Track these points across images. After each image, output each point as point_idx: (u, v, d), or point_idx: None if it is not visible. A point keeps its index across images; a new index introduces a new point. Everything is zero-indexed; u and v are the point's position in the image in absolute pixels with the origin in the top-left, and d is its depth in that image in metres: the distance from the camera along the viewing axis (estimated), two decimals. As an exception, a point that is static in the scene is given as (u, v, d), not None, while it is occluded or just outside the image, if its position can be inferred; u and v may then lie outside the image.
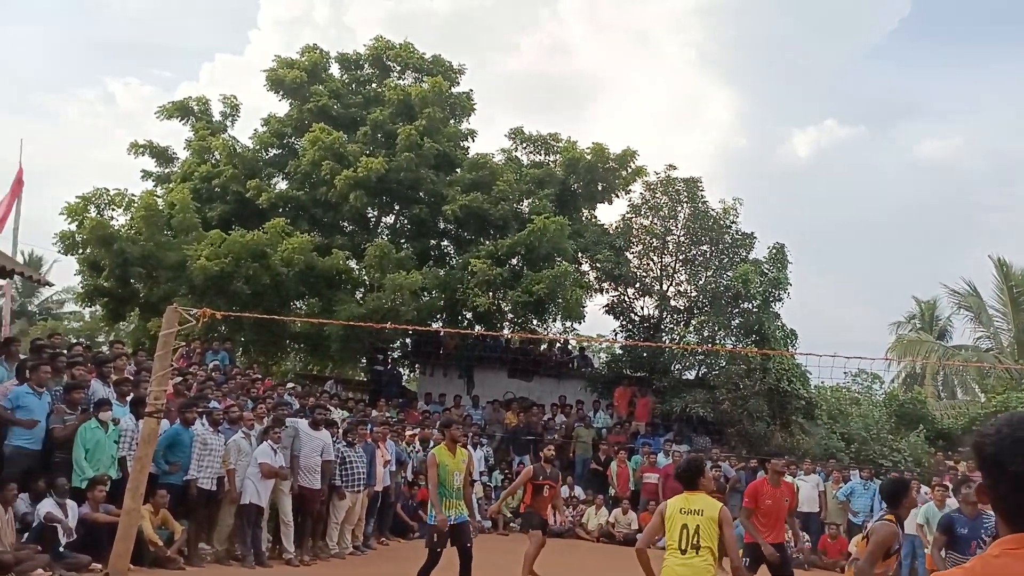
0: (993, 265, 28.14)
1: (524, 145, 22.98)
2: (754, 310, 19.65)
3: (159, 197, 20.36)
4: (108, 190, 19.57)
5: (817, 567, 14.43)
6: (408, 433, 15.07)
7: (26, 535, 8.32)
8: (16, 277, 15.84)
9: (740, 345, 19.36)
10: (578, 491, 17.03)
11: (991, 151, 63.54)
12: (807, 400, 19.61)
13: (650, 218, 21.04)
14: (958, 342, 30.41)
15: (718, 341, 19.85)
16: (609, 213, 23.73)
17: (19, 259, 18.59)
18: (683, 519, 6.00)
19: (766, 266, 20.00)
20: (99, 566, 8.40)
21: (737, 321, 19.98)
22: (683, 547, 5.92)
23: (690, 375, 20.60)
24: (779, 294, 19.76)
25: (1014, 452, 1.77)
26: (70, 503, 8.73)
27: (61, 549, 8.35)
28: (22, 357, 10.54)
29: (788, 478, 12.36)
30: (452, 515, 8.44)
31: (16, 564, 7.71)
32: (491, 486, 16.89)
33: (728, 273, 20.04)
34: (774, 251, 20.23)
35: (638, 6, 65.63)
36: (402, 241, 20.90)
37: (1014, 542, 1.76)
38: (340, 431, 12.14)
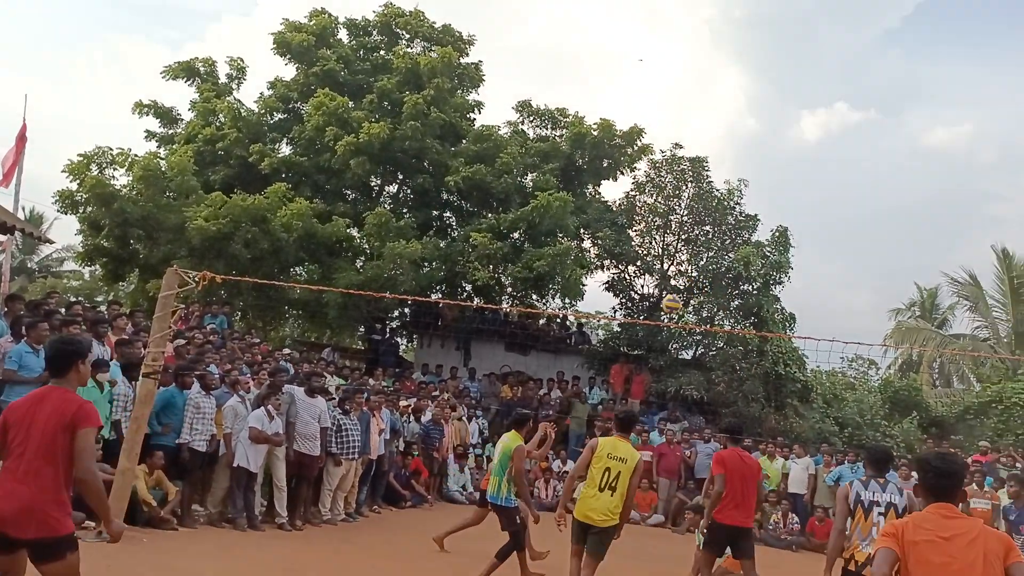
0: (995, 255, 28.16)
1: (531, 118, 22.85)
2: (754, 292, 19.66)
3: (162, 159, 20.25)
4: (111, 149, 19.46)
5: (805, 549, 14.53)
6: (403, 403, 15.10)
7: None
8: (17, 233, 15.82)
9: (738, 327, 19.39)
10: (570, 465, 17.10)
11: (1000, 140, 63.39)
12: (803, 384, 19.68)
13: (654, 196, 20.98)
14: (957, 331, 30.48)
15: (717, 322, 19.87)
16: (613, 190, 23.73)
17: (20, 215, 18.57)
18: (608, 463, 7.06)
19: (768, 249, 19.98)
20: (92, 524, 8.44)
21: (736, 303, 19.98)
22: (600, 485, 7.01)
23: (687, 355, 20.65)
24: (780, 277, 19.78)
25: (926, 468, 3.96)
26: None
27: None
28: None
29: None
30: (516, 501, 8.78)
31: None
32: (485, 458, 16.97)
33: (730, 254, 20.04)
34: (777, 234, 20.20)
35: (650, -19, 64.99)
36: (404, 211, 20.83)
37: (938, 507, 3.86)
38: (336, 399, 12.18)
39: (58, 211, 19.52)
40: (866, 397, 22.54)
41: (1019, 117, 62.93)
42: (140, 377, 8.70)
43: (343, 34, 23.23)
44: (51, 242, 22.28)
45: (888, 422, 20.83)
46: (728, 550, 8.10)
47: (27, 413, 4.36)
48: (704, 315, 20.18)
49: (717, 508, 7.78)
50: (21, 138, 18.89)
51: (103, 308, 14.54)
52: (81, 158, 18.97)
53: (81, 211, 19.12)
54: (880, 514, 6.23)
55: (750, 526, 7.99)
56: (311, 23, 22.37)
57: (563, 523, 7.43)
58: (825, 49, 65.81)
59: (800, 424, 19.64)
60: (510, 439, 8.71)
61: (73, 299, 19.77)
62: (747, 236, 20.43)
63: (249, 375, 11.97)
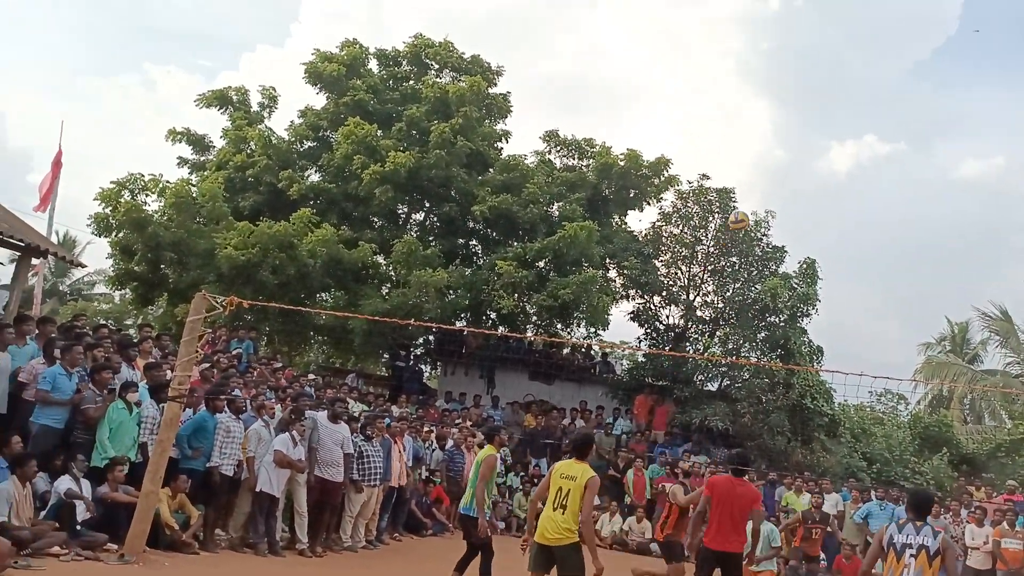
0: (1028, 290, 27.71)
1: (558, 148, 22.96)
2: (781, 324, 19.48)
3: (193, 185, 20.55)
4: (143, 175, 19.81)
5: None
6: (426, 430, 15.08)
7: (43, 512, 8.42)
8: (49, 257, 16.08)
9: (765, 359, 19.19)
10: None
11: (1034, 172, 62.45)
12: (830, 417, 19.38)
13: (680, 227, 20.92)
14: (989, 366, 29.95)
15: (742, 354, 19.69)
16: (640, 220, 23.66)
17: (53, 239, 18.90)
18: (560, 482, 7.09)
19: (795, 280, 19.82)
20: (115, 546, 8.49)
21: (763, 334, 19.80)
22: (554, 504, 7.06)
23: (712, 386, 20.46)
24: (807, 309, 19.57)
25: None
26: (85, 482, 8.84)
27: (78, 527, 8.44)
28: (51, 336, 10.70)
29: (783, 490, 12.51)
30: (490, 514, 9.28)
31: (33, 540, 7.80)
32: (507, 487, 16.88)
33: (756, 286, 19.89)
34: (804, 266, 20.05)
35: (676, 13, 65.43)
36: (430, 239, 20.95)
37: None
38: (359, 425, 12.19)
39: (92, 234, 19.84)
40: (895, 432, 22.21)
41: (1054, 148, 62.09)
42: (165, 401, 8.79)
43: (373, 64, 23.54)
44: (83, 266, 22.56)
45: (918, 458, 20.49)
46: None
47: None
48: (730, 347, 20.02)
49: (705, 532, 8.20)
50: (57, 164, 19.30)
51: (132, 331, 14.73)
52: (114, 184, 19.34)
53: (114, 235, 19.43)
54: (912, 556, 6.18)
55: (738, 551, 8.27)
56: (342, 53, 22.70)
57: (526, 547, 7.47)
58: (854, 81, 65.60)
59: (827, 459, 19.35)
60: (486, 450, 8.85)
61: (101, 322, 20.02)
62: (774, 267, 20.30)
63: (273, 399, 12.03)
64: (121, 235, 19.32)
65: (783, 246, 20.51)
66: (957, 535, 14.10)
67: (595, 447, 7.23)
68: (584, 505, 6.96)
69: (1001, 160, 64.90)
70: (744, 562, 8.63)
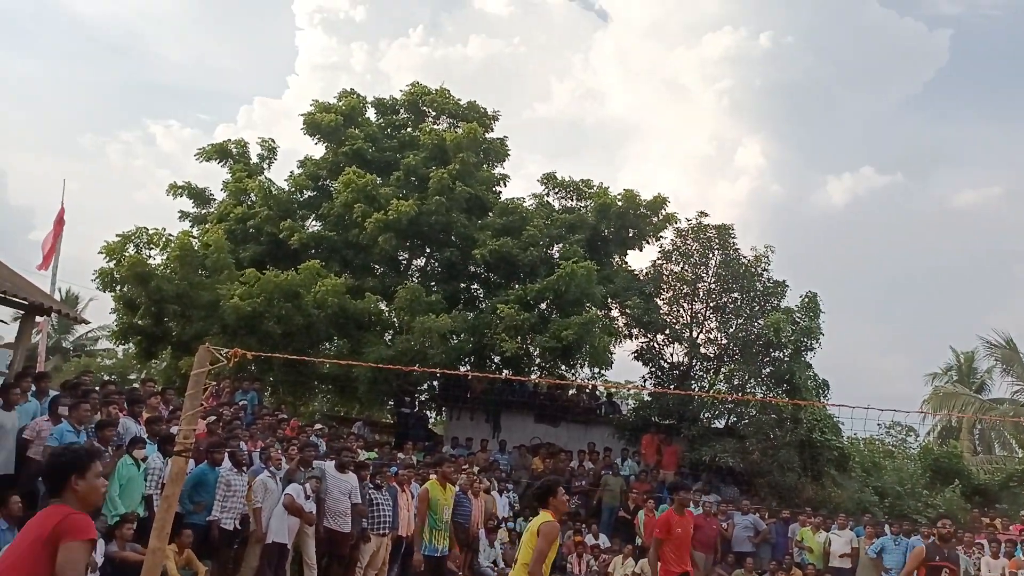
0: (1031, 317, 27.72)
1: (556, 190, 23.12)
2: (785, 359, 19.40)
3: (195, 237, 20.67)
4: (147, 229, 19.92)
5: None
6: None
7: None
8: (53, 314, 16.12)
9: (771, 394, 19.10)
10: (603, 539, 16.77)
11: (1031, 200, 62.81)
12: (840, 451, 19.24)
13: (681, 265, 20.98)
14: (996, 395, 29.80)
15: (748, 390, 19.58)
16: (640, 259, 23.73)
17: (56, 296, 18.94)
18: (523, 536, 6.66)
19: (798, 315, 19.79)
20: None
21: (768, 370, 19.71)
22: (516, 560, 6.57)
23: (719, 424, 20.32)
24: (811, 343, 19.50)
25: None
26: (99, 541, 8.76)
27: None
28: (52, 393, 10.70)
29: (693, 509, 12.48)
30: (440, 547, 9.09)
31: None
32: (516, 532, 16.69)
33: (759, 321, 19.86)
34: (806, 300, 20.03)
35: (669, 54, 66.30)
36: (432, 284, 21.00)
37: None
38: (369, 473, 12.10)
39: (97, 288, 19.88)
40: (906, 465, 22.03)
41: (1050, 175, 62.53)
42: (172, 455, 8.73)
43: (371, 113, 23.83)
44: (86, 322, 22.63)
45: (929, 491, 20.27)
46: None
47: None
48: (735, 383, 19.94)
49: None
50: (59, 222, 19.40)
51: (136, 386, 14.70)
52: (119, 238, 19.42)
53: (118, 289, 19.47)
54: None
55: None
56: (340, 103, 22.99)
57: None
58: (847, 115, 66.26)
59: (839, 494, 19.17)
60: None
61: (106, 377, 19.99)
62: (776, 302, 20.29)
63: (280, 450, 11.96)
64: (125, 289, 19.37)
65: (784, 281, 20.57)
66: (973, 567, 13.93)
67: (559, 491, 6.51)
68: (535, 552, 6.25)
69: (998, 189, 65.34)
70: None
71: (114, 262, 19.12)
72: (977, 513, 18.46)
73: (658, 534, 8.99)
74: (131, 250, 19.29)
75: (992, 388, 30.95)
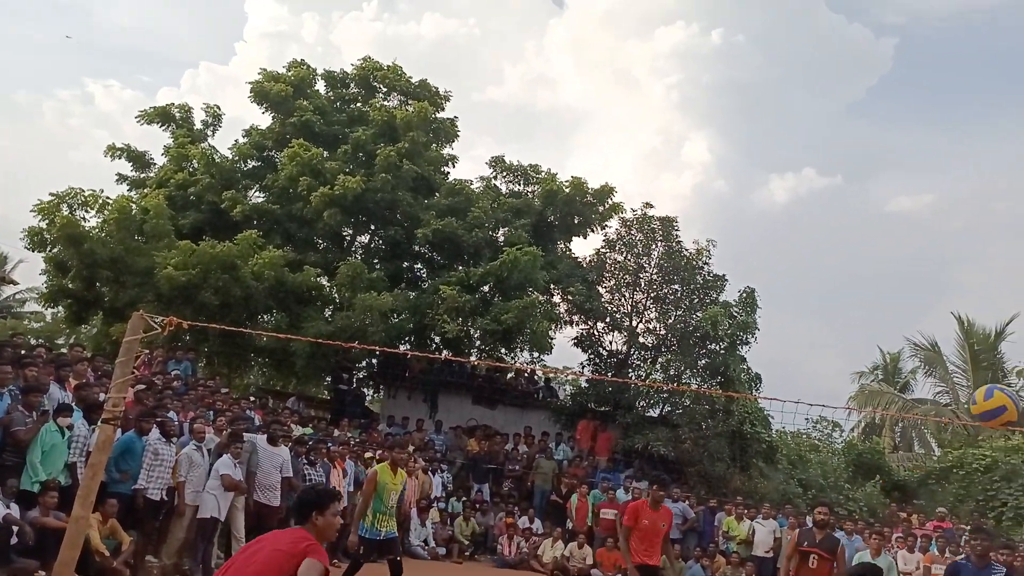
0: (956, 321, 28.72)
1: (504, 174, 23.06)
2: (721, 352, 19.76)
3: (134, 202, 20.14)
4: (83, 190, 19.29)
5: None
6: (367, 455, 14.92)
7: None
8: (-21, 273, 15.59)
9: (705, 386, 19.46)
10: (537, 524, 16.94)
11: (964, 208, 64.95)
12: (768, 444, 19.74)
13: (624, 254, 21.18)
14: (919, 395, 30.83)
15: (684, 380, 19.93)
16: (584, 247, 23.92)
17: (-16, 255, 18.30)
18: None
19: (736, 309, 20.15)
20: (44, 573, 8.20)
21: (704, 362, 20.06)
22: None
23: (654, 413, 20.66)
24: (747, 337, 19.92)
25: None
26: (14, 506, 8.54)
27: (12, 555, 8.13)
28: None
29: (670, 504, 12.49)
30: (384, 530, 8.96)
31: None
32: (449, 512, 16.77)
33: (698, 313, 20.17)
34: (744, 295, 20.41)
35: (622, 45, 66.63)
36: (375, 261, 20.83)
37: None
38: (305, 448, 12.01)
39: (26, 248, 19.22)
40: (830, 459, 22.64)
41: (982, 185, 64.74)
42: (100, 423, 8.55)
43: (320, 85, 23.45)
44: (14, 283, 21.92)
45: (851, 485, 20.91)
46: None
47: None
48: (672, 373, 20.27)
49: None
50: (-10, 178, 18.71)
51: (64, 351, 14.32)
52: (53, 197, 18.76)
53: (49, 251, 18.88)
54: None
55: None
56: (289, 73, 22.56)
57: None
58: (793, 116, 67.59)
59: (765, 485, 19.66)
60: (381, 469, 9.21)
61: (39, 341, 19.39)
62: (715, 296, 20.63)
63: (212, 423, 11.79)
64: (56, 251, 18.80)
65: (724, 275, 20.91)
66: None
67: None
68: None
69: (931, 197, 67.35)
70: None
71: (46, 222, 18.52)
72: (895, 508, 19.10)
73: (625, 522, 8.95)
74: (64, 210, 18.70)
75: (915, 388, 32.04)
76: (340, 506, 4.68)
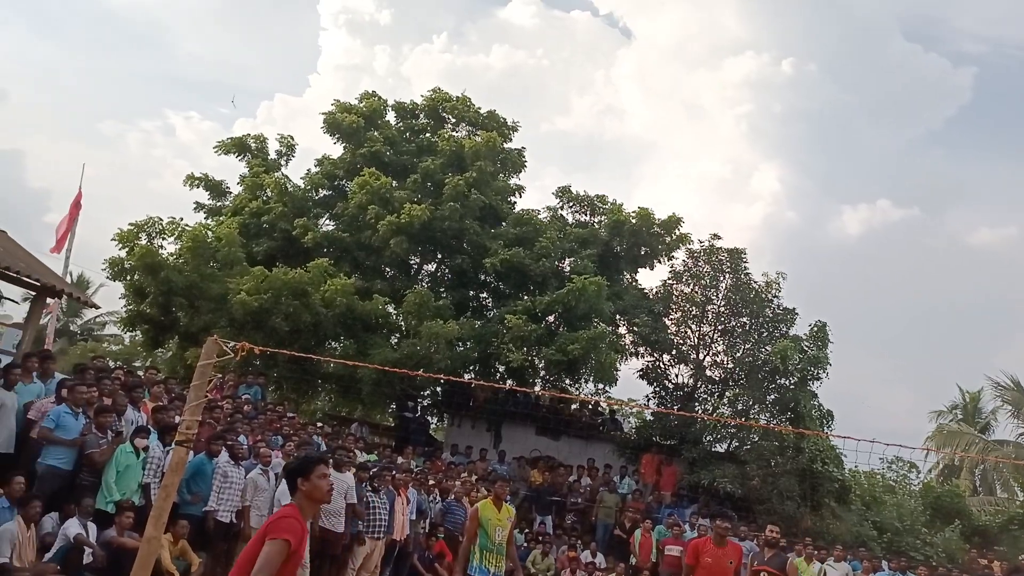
0: (1040, 360, 27.57)
1: (570, 204, 23.12)
2: (791, 387, 19.30)
3: (209, 229, 20.74)
4: (161, 219, 19.96)
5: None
6: (431, 483, 14.92)
7: (48, 554, 8.33)
8: (63, 297, 16.18)
9: (774, 422, 19.01)
10: (600, 558, 16.67)
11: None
12: (840, 483, 19.10)
13: (691, 286, 20.94)
14: (1000, 436, 29.59)
15: (752, 416, 19.49)
16: (650, 278, 23.69)
17: (68, 280, 19.01)
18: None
19: (806, 343, 19.69)
20: None
21: (773, 397, 19.62)
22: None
23: (721, 448, 20.21)
24: (818, 373, 19.41)
25: None
26: (91, 525, 8.76)
27: (84, 574, 8.33)
28: (59, 376, 10.71)
29: (737, 540, 12.03)
30: (492, 569, 8.62)
31: (34, 583, 7.72)
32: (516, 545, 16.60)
33: (767, 347, 19.78)
34: (815, 328, 19.93)
35: (690, 75, 66.37)
36: (441, 290, 21.01)
37: None
38: (368, 475, 12.07)
39: (107, 277, 19.94)
40: (906, 501, 21.84)
41: (1065, 220, 62.29)
42: (173, 444, 8.73)
43: (391, 116, 23.90)
44: (96, 307, 22.67)
45: (929, 529, 20.12)
46: None
47: None
48: (739, 408, 19.86)
49: None
50: (76, 205, 19.54)
51: (140, 373, 14.72)
52: (132, 227, 19.44)
53: (128, 278, 19.51)
54: None
55: None
56: (361, 105, 23.07)
57: None
58: (867, 146, 66.29)
59: (837, 526, 19.03)
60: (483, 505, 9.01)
61: (117, 364, 20.01)
62: (785, 329, 20.21)
63: (278, 447, 11.94)
64: (135, 278, 19.41)
65: (794, 308, 20.49)
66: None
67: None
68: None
69: (1014, 230, 65.04)
70: None
71: (126, 251, 19.16)
72: (976, 554, 18.28)
73: (687, 560, 8.72)
74: (143, 239, 19.33)
75: (996, 429, 30.78)
76: (327, 468, 4.61)
